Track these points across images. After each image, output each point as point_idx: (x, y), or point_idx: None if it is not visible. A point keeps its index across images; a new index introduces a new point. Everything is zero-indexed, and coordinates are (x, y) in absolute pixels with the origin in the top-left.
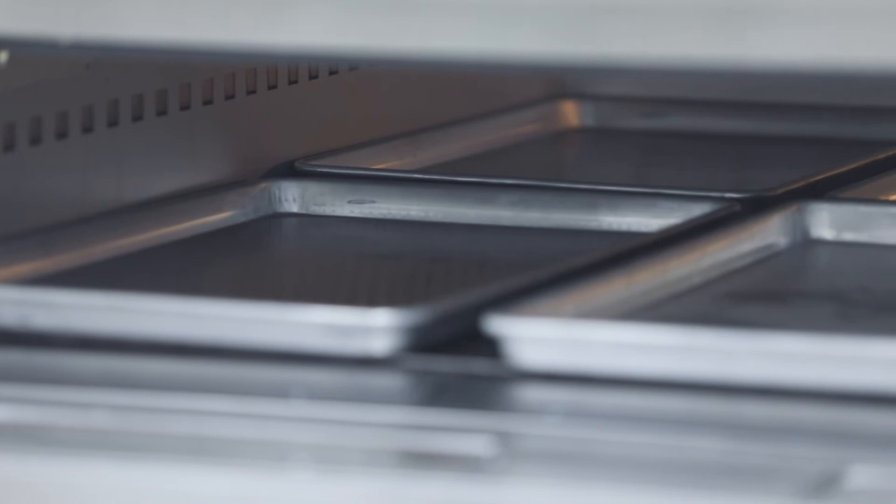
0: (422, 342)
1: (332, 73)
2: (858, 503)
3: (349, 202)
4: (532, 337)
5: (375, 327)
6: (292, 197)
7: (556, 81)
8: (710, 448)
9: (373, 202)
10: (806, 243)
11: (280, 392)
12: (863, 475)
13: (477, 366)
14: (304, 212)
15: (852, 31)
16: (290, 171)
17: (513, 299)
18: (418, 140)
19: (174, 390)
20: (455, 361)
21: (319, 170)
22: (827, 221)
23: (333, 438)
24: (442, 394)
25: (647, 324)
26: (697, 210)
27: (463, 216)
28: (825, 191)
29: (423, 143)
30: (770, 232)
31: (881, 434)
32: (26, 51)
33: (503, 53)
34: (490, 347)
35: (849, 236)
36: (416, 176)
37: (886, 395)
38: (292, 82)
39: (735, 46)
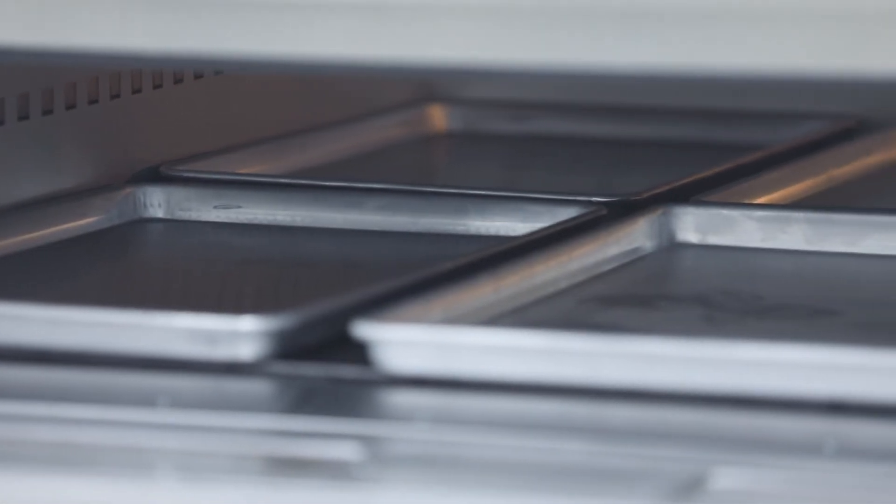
0: (289, 348)
1: (197, 76)
2: None
3: (215, 207)
4: (400, 342)
5: (242, 333)
6: (157, 202)
7: (424, 85)
8: (576, 451)
9: (239, 207)
10: (672, 247)
11: (146, 399)
12: (727, 477)
13: (345, 371)
14: (169, 217)
15: (718, 34)
16: (156, 175)
17: (381, 304)
18: (285, 144)
19: (39, 398)
20: (323, 367)
21: (185, 174)
22: (692, 225)
23: (200, 445)
24: (309, 400)
25: (514, 328)
26: (564, 214)
27: (330, 221)
28: (690, 194)
29: (290, 148)
30: (636, 236)
31: (745, 436)
32: None
33: (371, 57)
34: (359, 353)
35: (714, 240)
36: (282, 181)
37: (750, 398)
38: (157, 86)
39: (604, 50)
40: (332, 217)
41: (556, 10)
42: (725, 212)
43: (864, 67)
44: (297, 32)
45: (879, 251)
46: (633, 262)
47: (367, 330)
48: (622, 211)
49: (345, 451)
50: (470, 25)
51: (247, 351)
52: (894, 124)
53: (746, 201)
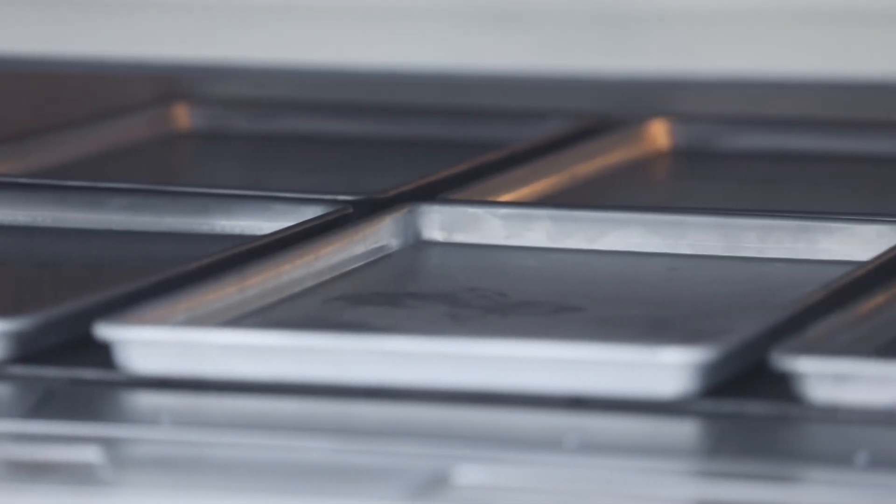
0: (30, 350)
1: None
2: (466, 501)
3: None
4: (142, 342)
5: None
6: None
7: (166, 82)
8: (321, 449)
9: None
10: (417, 245)
11: None
12: (471, 473)
13: (87, 373)
14: None
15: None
16: None
17: (124, 305)
18: (26, 144)
19: None
20: (64, 369)
21: None
22: (438, 223)
23: None
24: (50, 402)
25: (258, 328)
26: (310, 213)
27: (73, 221)
28: (436, 193)
29: (32, 148)
30: (382, 234)
31: (488, 432)
32: None
33: (114, 54)
34: (102, 354)
35: (459, 237)
36: (22, 181)
37: (494, 394)
38: None
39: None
40: (74, 217)
41: (300, 8)
42: (470, 210)
43: (603, 66)
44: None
45: (620, 248)
46: (379, 261)
47: (109, 331)
48: (368, 209)
49: (86, 454)
50: (210, 23)
51: None
52: (634, 122)
53: (491, 199)
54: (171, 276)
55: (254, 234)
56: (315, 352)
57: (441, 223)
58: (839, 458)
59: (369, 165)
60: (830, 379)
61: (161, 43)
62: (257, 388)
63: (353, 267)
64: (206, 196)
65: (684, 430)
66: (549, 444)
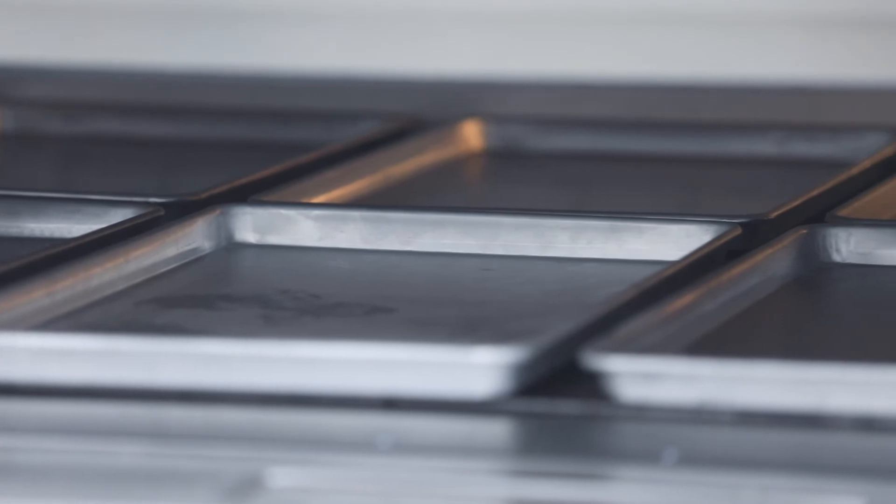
0: None
1: None
2: (279, 503)
3: None
4: None
5: None
6: None
7: None
8: (133, 454)
9: None
10: (230, 247)
11: None
12: (284, 475)
13: None
14: None
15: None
16: None
17: None
18: None
19: None
20: None
21: None
22: (250, 225)
23: None
24: None
25: (67, 332)
26: (121, 215)
27: None
28: (249, 194)
29: None
30: (195, 236)
31: (302, 434)
32: None
33: None
34: None
35: (272, 239)
36: None
37: (307, 396)
38: None
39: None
40: None
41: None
42: (283, 211)
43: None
44: None
45: (434, 249)
46: (192, 263)
47: None
48: (180, 211)
49: None
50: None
51: None
52: (447, 123)
53: (304, 201)
54: None
55: (63, 236)
56: (126, 355)
57: (254, 225)
58: (648, 456)
59: (181, 167)
60: (639, 377)
61: None
62: (68, 393)
63: (164, 269)
64: (15, 198)
65: (496, 430)
66: (362, 445)
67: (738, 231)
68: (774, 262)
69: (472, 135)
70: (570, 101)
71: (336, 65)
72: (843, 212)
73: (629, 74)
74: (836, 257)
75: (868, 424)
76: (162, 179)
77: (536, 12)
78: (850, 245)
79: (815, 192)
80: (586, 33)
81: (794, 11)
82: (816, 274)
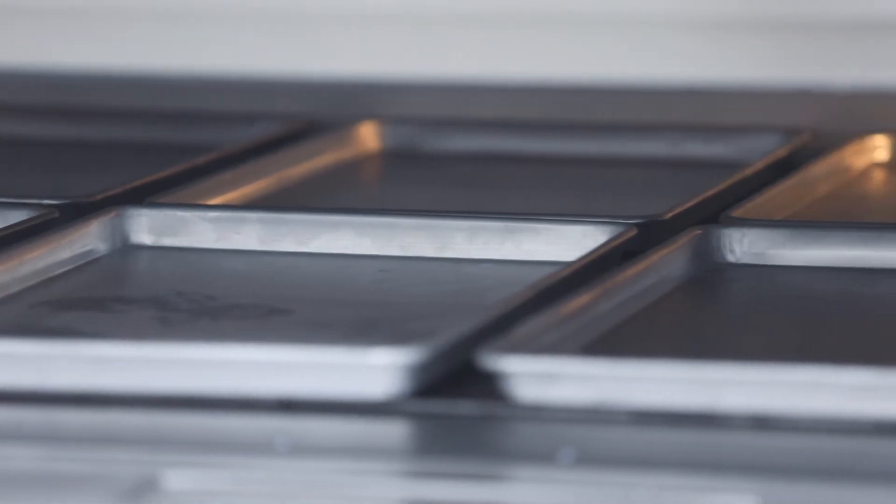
0: None
1: None
2: None
3: None
4: None
5: None
6: None
7: None
8: (26, 457)
9: None
10: (126, 249)
11: None
12: (179, 478)
13: None
14: None
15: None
16: None
17: None
18: None
19: None
20: None
21: None
22: (146, 227)
23: None
24: None
25: None
26: (14, 217)
27: None
28: (145, 196)
29: None
30: (90, 238)
31: (197, 437)
32: None
33: None
34: None
35: (168, 241)
36: None
37: (202, 398)
38: None
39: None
40: None
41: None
42: (179, 213)
43: (314, 69)
44: None
45: (330, 250)
46: (87, 265)
47: None
48: (74, 213)
49: None
50: None
51: None
52: (344, 125)
53: (200, 202)
54: None
55: None
56: (20, 358)
57: (149, 227)
58: (545, 456)
59: (76, 169)
60: (536, 378)
61: None
62: None
63: (59, 272)
64: None
65: (394, 431)
66: (259, 447)
67: (634, 232)
68: (669, 262)
69: (368, 136)
70: (465, 102)
71: (233, 66)
72: (737, 212)
73: (525, 75)
74: (731, 257)
75: (761, 423)
76: (57, 181)
77: (431, 14)
78: (743, 245)
79: (709, 193)
80: (481, 34)
81: (689, 13)
82: (711, 274)
